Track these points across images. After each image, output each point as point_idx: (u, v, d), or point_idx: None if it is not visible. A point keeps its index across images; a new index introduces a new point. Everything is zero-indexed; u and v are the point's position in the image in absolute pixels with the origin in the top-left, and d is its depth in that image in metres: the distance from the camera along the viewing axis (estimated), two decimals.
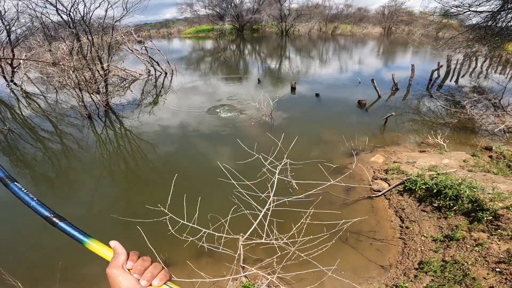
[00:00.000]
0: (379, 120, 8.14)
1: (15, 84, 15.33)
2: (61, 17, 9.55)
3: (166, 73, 14.91)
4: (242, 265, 3.45)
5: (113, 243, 0.64)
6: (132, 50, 14.07)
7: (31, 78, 15.94)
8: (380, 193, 4.84)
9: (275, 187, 3.31)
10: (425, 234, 3.89)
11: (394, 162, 5.65)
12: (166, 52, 15.99)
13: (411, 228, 4.10)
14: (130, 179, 6.26)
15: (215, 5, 39.13)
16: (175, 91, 12.04)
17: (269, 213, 3.18)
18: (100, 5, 10.42)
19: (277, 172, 3.50)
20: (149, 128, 8.38)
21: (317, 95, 10.58)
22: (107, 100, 9.25)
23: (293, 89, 11.31)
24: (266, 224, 3.14)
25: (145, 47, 14.65)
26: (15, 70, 15.93)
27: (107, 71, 9.41)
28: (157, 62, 14.78)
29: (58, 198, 5.55)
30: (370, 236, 4.16)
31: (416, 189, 4.49)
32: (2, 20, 14.72)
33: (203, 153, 6.89)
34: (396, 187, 4.84)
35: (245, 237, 3.23)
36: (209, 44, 33.15)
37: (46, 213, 0.61)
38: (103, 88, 9.31)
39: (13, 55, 15.79)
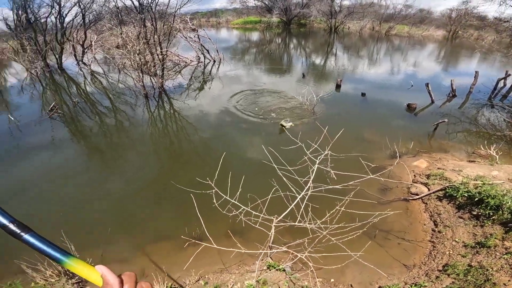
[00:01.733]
0: (428, 126, 7.74)
1: (84, 63, 17.39)
2: (132, 2, 10.51)
3: (214, 61, 15.64)
4: (271, 245, 3.65)
5: (100, 268, 0.54)
6: (186, 38, 14.99)
7: (97, 59, 17.91)
8: (418, 197, 4.79)
9: (314, 175, 3.45)
10: (456, 239, 3.86)
11: (438, 168, 5.48)
12: (215, 41, 16.74)
13: (443, 233, 4.07)
14: (175, 156, 6.90)
15: None
16: (221, 79, 12.63)
17: (306, 198, 3.33)
18: None
19: (318, 161, 3.63)
20: (194, 111, 9.02)
21: (363, 94, 10.31)
22: (162, 83, 10.14)
23: (338, 86, 11.15)
24: (302, 208, 3.29)
25: (198, 35, 15.50)
26: (86, 51, 18.03)
27: (165, 55, 10.27)
28: (207, 50, 15.55)
29: (107, 169, 6.26)
30: (399, 236, 4.20)
31: (458, 196, 4.40)
32: (79, 4, 16.69)
33: (246, 138, 7.28)
34: (436, 192, 4.75)
35: (279, 218, 3.39)
36: (255, 35, 33.55)
37: (4, 222, 0.49)
38: (159, 71, 10.19)
39: (85, 37, 17.86)
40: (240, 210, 3.32)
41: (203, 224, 3.17)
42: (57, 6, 15.64)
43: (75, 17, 17.58)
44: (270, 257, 3.82)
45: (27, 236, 0.50)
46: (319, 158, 3.69)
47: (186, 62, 14.77)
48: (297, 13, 37.36)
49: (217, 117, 8.56)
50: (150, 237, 4.34)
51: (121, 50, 10.33)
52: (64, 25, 16.96)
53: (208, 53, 15.69)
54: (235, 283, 3.47)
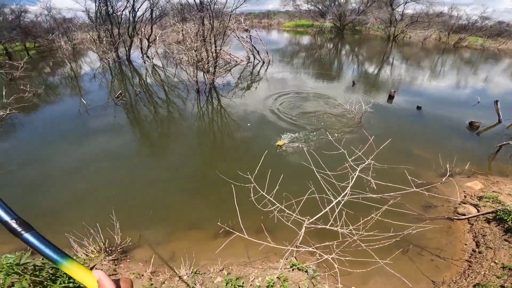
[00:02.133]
0: (490, 148, 6.93)
1: (147, 57, 19.22)
2: (194, 1, 11.25)
3: (263, 63, 15.99)
4: (299, 245, 3.67)
5: (97, 273, 0.54)
6: (238, 38, 15.60)
7: (158, 53, 19.64)
8: (465, 217, 4.55)
9: (353, 181, 3.39)
10: (496, 261, 3.63)
11: (493, 191, 5.09)
12: (266, 43, 17.09)
13: (484, 254, 3.84)
14: (217, 149, 7.25)
15: (318, 1, 38.69)
16: (268, 80, 12.86)
17: (342, 203, 3.30)
18: None
19: (359, 169, 3.56)
20: (239, 109, 9.35)
21: (418, 108, 9.59)
22: (213, 79, 10.76)
23: (390, 97, 10.54)
24: (336, 212, 3.25)
25: (250, 36, 16.01)
26: (150, 45, 19.92)
27: (219, 54, 10.86)
28: (258, 51, 15.97)
29: (155, 156, 6.82)
30: (433, 252, 4.07)
31: (508, 220, 4.15)
32: (150, 0, 18.48)
33: (290, 139, 7.33)
34: (486, 214, 4.49)
35: (311, 220, 3.42)
36: (305, 39, 33.28)
37: (6, 218, 0.49)
38: (212, 68, 10.82)
39: (151, 31, 19.73)
40: (275, 207, 3.40)
41: (238, 214, 3.28)
42: (132, 0, 17.52)
43: (145, 12, 19.55)
44: (295, 257, 3.84)
45: (27, 235, 0.49)
46: (361, 166, 3.61)
47: (236, 61, 15.37)
48: (352, 19, 36.05)
49: (260, 117, 8.76)
50: (185, 224, 4.66)
51: (181, 46, 11.22)
52: (135, 19, 18.99)
53: (258, 54, 16.09)
54: (256, 276, 3.55)
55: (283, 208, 3.39)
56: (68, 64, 17.58)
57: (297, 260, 3.81)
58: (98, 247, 3.91)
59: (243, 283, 3.39)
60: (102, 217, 4.45)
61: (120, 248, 4.05)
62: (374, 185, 4.64)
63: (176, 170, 6.16)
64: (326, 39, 32.78)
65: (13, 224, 0.50)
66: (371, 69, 17.76)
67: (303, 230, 3.50)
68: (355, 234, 3.19)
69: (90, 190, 5.49)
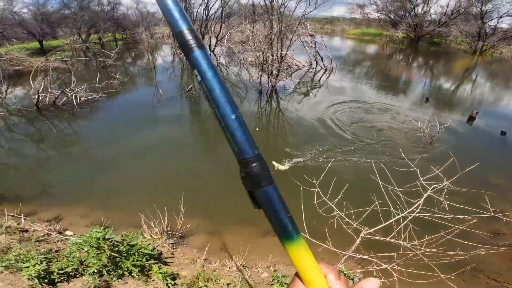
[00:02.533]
0: None
1: (214, 55, 20.49)
2: (265, 2, 11.57)
3: (326, 70, 15.67)
4: (352, 254, 3.55)
5: (327, 268, 0.44)
6: (303, 42, 15.57)
7: (223, 52, 20.75)
8: None
9: (422, 200, 3.29)
10: None
11: None
12: (331, 49, 16.68)
13: None
14: (273, 151, 7.34)
15: (390, 11, 36.05)
16: (328, 88, 12.52)
17: (408, 219, 3.22)
18: None
19: (431, 189, 3.41)
20: (297, 114, 9.29)
21: (503, 133, 8.33)
22: (275, 82, 10.97)
23: (471, 119, 9.32)
24: (401, 226, 3.19)
25: (315, 41, 15.84)
26: (218, 43, 21.19)
27: (284, 57, 11.03)
28: (321, 58, 15.72)
29: (210, 149, 7.27)
30: (491, 276, 3.95)
31: None
32: (221, 1, 19.67)
33: (350, 151, 7.08)
34: None
35: (369, 231, 3.36)
36: (371, 48, 31.47)
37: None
38: (275, 71, 11.04)
39: (220, 30, 20.98)
40: (334, 213, 3.42)
41: (303, 216, 3.37)
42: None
43: (216, 11, 20.88)
44: (343, 265, 3.81)
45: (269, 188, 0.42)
46: (435, 187, 3.46)
47: (298, 66, 15.38)
48: (431, 30, 32.77)
49: (316, 124, 8.60)
50: (238, 218, 4.89)
51: (248, 46, 11.70)
52: (208, 17, 20.42)
53: (322, 60, 15.82)
54: None
55: (343, 215, 3.40)
56: (147, 56, 19.85)
57: (344, 267, 3.79)
58: (161, 229, 4.30)
59: (288, 281, 3.45)
60: (168, 201, 4.96)
61: (179, 233, 4.41)
62: (446, 206, 4.39)
63: (232, 165, 6.43)
64: (396, 49, 30.47)
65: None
66: (447, 85, 15.93)
67: (359, 239, 3.44)
68: (417, 249, 3.14)
69: (159, 174, 6.10)
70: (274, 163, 6.25)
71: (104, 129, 8.38)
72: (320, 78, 14.35)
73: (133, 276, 3.33)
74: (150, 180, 5.92)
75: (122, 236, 3.40)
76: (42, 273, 3.09)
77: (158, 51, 25.27)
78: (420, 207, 3.21)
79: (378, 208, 3.42)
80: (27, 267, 3.11)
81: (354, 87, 13.01)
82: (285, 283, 3.41)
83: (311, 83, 13.47)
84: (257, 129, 8.35)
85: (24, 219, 4.46)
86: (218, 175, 6.06)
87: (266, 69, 10.42)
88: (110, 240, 3.18)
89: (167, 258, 3.91)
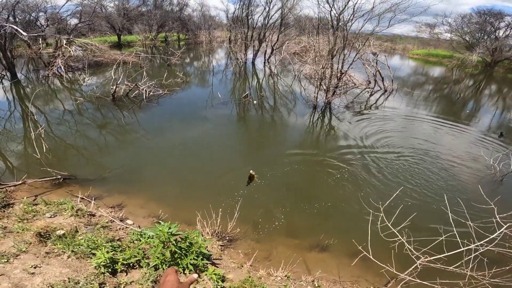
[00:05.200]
0: None
1: (269, 63, 20.88)
2: (331, 18, 11.36)
3: (385, 91, 14.84)
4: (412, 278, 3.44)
5: None
6: (363, 60, 14.94)
7: (277, 61, 20.98)
8: None
9: (497, 234, 3.27)
10: None
11: None
12: (394, 70, 15.73)
13: None
14: (323, 165, 7.14)
15: (466, 32, 32.81)
16: (384, 112, 11.72)
17: (480, 250, 3.17)
18: (364, 15, 11.35)
19: (505, 226, 3.32)
20: (346, 135, 8.88)
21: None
22: (330, 98, 10.72)
23: None
24: (472, 257, 3.15)
25: (377, 60, 15.10)
26: (273, 52, 21.55)
27: (343, 74, 10.74)
28: (382, 78, 14.93)
29: (249, 154, 7.41)
30: None
31: None
32: (282, 10, 19.91)
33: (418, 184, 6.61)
34: None
35: (428, 259, 3.31)
36: (436, 71, 28.99)
37: None
38: (332, 87, 10.79)
39: (277, 40, 21.28)
40: (396, 239, 3.46)
41: (369, 236, 3.47)
42: (267, 8, 19.36)
43: (275, 21, 21.24)
44: (387, 287, 3.79)
45: None
46: (509, 225, 3.36)
47: (355, 84, 14.82)
48: (511, 56, 29.06)
49: (365, 154, 8.16)
50: (285, 230, 4.88)
51: (307, 58, 11.66)
52: (267, 26, 20.89)
53: (382, 81, 15.01)
54: None
55: (404, 241, 3.41)
56: (205, 58, 21.02)
57: None
58: (212, 230, 4.41)
59: None
60: (224, 202, 5.08)
61: (229, 236, 4.50)
62: None
63: (273, 178, 6.41)
64: (466, 74, 27.58)
65: None
66: None
67: (416, 266, 3.39)
68: (484, 279, 3.17)
69: (213, 175, 6.32)
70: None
71: (165, 124, 9.01)
72: (377, 100, 13.60)
73: (185, 274, 3.38)
74: (205, 179, 6.14)
75: (185, 233, 3.52)
76: (108, 262, 3.20)
77: (214, 53, 26.57)
78: (495, 242, 3.17)
79: (443, 238, 3.39)
80: (97, 254, 3.22)
81: (412, 113, 12.03)
82: None
83: (367, 104, 12.77)
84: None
85: (94, 203, 4.81)
86: (269, 185, 6.07)
87: (324, 84, 10.25)
88: (176, 236, 3.28)
89: (215, 259, 3.99)
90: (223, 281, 3.42)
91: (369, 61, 15.14)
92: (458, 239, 3.21)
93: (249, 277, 3.56)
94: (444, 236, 3.34)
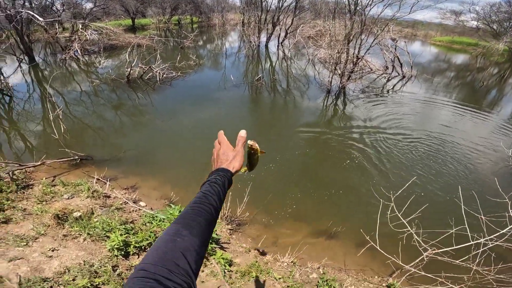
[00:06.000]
0: None
1: (282, 46, 20.36)
2: (348, 1, 10.90)
3: (403, 77, 14.27)
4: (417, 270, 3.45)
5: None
6: (381, 45, 14.32)
7: (291, 45, 20.40)
8: None
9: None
10: None
11: None
12: (414, 56, 15.04)
13: None
14: (335, 156, 7.04)
15: (494, 21, 30.85)
16: (401, 99, 11.30)
17: (489, 245, 3.17)
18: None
19: None
20: (359, 123, 8.62)
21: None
22: (345, 83, 10.43)
23: None
24: (480, 251, 3.15)
25: (395, 46, 14.45)
26: (287, 35, 20.94)
27: (360, 59, 10.35)
28: (400, 64, 14.33)
29: (260, 137, 7.35)
30: None
31: None
32: None
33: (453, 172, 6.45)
34: None
35: (437, 251, 3.29)
36: (459, 58, 27.49)
37: None
38: (348, 72, 10.46)
39: (291, 23, 20.63)
40: (405, 230, 3.46)
41: (377, 227, 3.50)
42: None
43: (290, 4, 20.52)
44: (391, 277, 3.79)
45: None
46: None
47: (371, 69, 14.30)
48: None
49: (379, 141, 7.94)
50: (294, 215, 4.89)
51: (322, 42, 11.29)
52: (281, 8, 20.24)
53: (401, 67, 14.40)
54: (350, 284, 3.62)
55: (412, 232, 3.40)
56: (218, 41, 20.73)
57: (393, 281, 3.68)
58: (222, 214, 4.48)
59: (337, 285, 3.48)
60: (234, 186, 5.13)
61: (238, 220, 4.56)
62: None
63: (283, 161, 6.41)
64: (491, 62, 26.03)
65: None
66: None
67: (425, 257, 3.40)
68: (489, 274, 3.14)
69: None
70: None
71: (178, 106, 9.14)
72: (394, 85, 13.12)
73: None
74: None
75: None
76: (121, 245, 3.26)
77: (227, 36, 26.14)
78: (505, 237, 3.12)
79: (453, 231, 3.35)
80: (111, 237, 3.28)
81: (431, 100, 11.56)
82: (334, 287, 3.40)
83: (383, 89, 12.37)
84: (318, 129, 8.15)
85: (109, 184, 4.95)
86: (279, 169, 6.06)
87: (339, 69, 9.94)
88: None
89: (224, 243, 4.05)
90: (230, 265, 3.48)
91: (388, 46, 14.51)
92: (468, 233, 3.16)
93: (256, 262, 3.63)
94: (454, 229, 3.28)
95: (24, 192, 4.43)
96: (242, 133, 0.98)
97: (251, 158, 1.14)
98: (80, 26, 13.59)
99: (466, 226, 3.18)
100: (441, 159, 6.90)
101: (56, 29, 15.26)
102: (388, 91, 12.08)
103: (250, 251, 3.99)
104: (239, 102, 9.73)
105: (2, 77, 9.30)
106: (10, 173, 4.62)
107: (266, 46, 19.99)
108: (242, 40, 20.37)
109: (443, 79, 16.16)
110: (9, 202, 4.02)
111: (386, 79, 13.94)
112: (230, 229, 4.45)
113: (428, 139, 7.87)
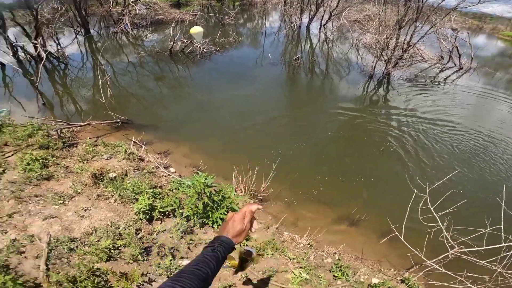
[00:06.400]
0: None
1: (325, 29, 19.28)
2: None
3: (460, 68, 12.77)
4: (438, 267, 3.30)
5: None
6: (438, 34, 12.86)
7: (334, 28, 19.19)
8: None
9: None
10: None
11: None
12: (475, 48, 13.33)
13: None
14: (370, 144, 6.68)
15: None
16: (454, 91, 10.16)
17: None
18: None
19: None
20: (404, 112, 7.95)
21: None
22: (390, 70, 9.68)
23: None
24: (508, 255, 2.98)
25: (456, 36, 12.92)
26: (331, 18, 19.70)
27: (411, 46, 9.45)
28: (459, 55, 12.81)
29: (294, 117, 7.13)
30: None
31: None
32: None
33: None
34: None
35: (462, 250, 3.15)
36: None
37: None
38: (395, 59, 9.65)
39: (337, 6, 19.31)
40: (435, 224, 3.32)
41: (406, 217, 3.40)
42: None
43: None
44: (408, 272, 3.64)
45: None
46: None
47: (423, 58, 12.98)
48: None
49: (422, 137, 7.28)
50: (317, 197, 4.84)
51: (369, 27, 10.45)
52: None
53: (459, 58, 12.86)
54: (363, 274, 3.58)
55: (443, 228, 3.25)
56: (258, 19, 20.30)
57: (409, 275, 3.56)
58: (246, 187, 4.51)
59: (350, 273, 3.45)
60: (261, 160, 5.17)
61: (261, 196, 4.59)
62: None
63: (318, 144, 6.26)
64: None
65: None
66: None
67: (446, 255, 3.25)
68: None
69: (257, 134, 6.46)
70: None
71: (215, 80, 9.38)
72: (448, 76, 11.82)
73: (213, 228, 3.60)
74: (247, 136, 6.32)
75: (219, 185, 3.66)
76: (147, 208, 3.42)
77: (268, 15, 25.41)
78: None
79: (486, 231, 3.16)
80: (139, 200, 3.43)
81: (492, 97, 10.21)
82: (347, 274, 3.37)
83: (434, 80, 11.21)
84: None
85: (144, 148, 5.26)
86: (310, 148, 5.96)
87: (385, 55, 9.21)
88: (211, 188, 3.37)
89: None
90: (247, 239, 3.54)
91: (446, 36, 12.98)
92: (502, 234, 2.98)
93: (273, 239, 3.67)
94: (488, 229, 3.09)
95: (68, 150, 4.85)
96: (253, 207, 1.01)
97: (243, 264, 1.12)
98: (131, 0, 14.23)
99: (502, 227, 2.93)
100: (488, 157, 6.24)
101: (110, 3, 16.14)
102: (439, 82, 10.96)
103: (268, 228, 4.05)
104: (275, 80, 9.68)
105: (59, 47, 10.22)
106: (58, 131, 5.09)
107: (308, 27, 19.11)
108: (283, 20, 19.69)
109: (506, 75, 14.11)
110: (53, 159, 4.39)
111: (440, 69, 12.59)
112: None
113: (476, 134, 7.12)
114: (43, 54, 7.81)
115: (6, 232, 3.17)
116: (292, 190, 4.93)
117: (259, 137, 6.36)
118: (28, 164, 4.06)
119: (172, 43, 10.56)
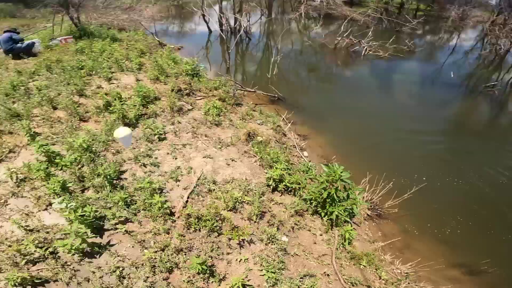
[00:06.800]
0: None
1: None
2: None
3: None
4: None
5: None
6: None
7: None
8: None
9: None
10: None
11: None
12: None
13: None
14: None
15: None
16: None
17: None
18: None
19: None
20: None
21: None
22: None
23: None
24: None
25: None
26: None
27: None
28: None
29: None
30: None
31: None
32: None
33: None
34: None
35: None
36: None
37: None
38: None
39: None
40: None
41: None
42: None
43: None
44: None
45: None
46: None
47: None
48: None
49: None
50: (447, 238, 3.93)
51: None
52: None
53: None
54: None
55: None
56: (444, 34, 17.05)
57: None
58: (370, 197, 4.27)
59: None
60: (398, 178, 4.67)
61: (381, 211, 4.29)
62: None
63: (490, 192, 4.89)
64: None
65: None
66: None
67: None
68: None
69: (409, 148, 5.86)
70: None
71: (374, 83, 9.02)
72: None
73: (323, 219, 3.61)
74: (392, 149, 5.80)
75: (352, 183, 3.54)
76: (277, 178, 3.70)
77: (460, 32, 20.63)
78: None
79: None
80: (273, 168, 3.81)
81: None
82: None
83: None
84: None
85: (289, 126, 5.77)
86: (464, 187, 4.95)
87: None
88: (344, 183, 3.37)
89: (355, 223, 3.99)
90: (349, 243, 3.43)
91: None
92: None
93: (372, 254, 3.42)
94: None
95: (235, 107, 5.87)
96: None
97: None
98: None
99: None
100: None
101: None
102: None
103: (373, 242, 3.78)
104: (447, 101, 8.10)
105: (248, 23, 12.26)
106: (234, 91, 6.26)
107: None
108: (483, 40, 15.66)
109: None
110: (225, 111, 5.46)
111: None
112: (368, 215, 4.25)
113: None
114: (243, 27, 9.59)
115: (176, 158, 4.03)
116: (419, 220, 4.29)
117: (406, 154, 5.68)
118: (209, 109, 5.19)
119: (339, 38, 10.66)
